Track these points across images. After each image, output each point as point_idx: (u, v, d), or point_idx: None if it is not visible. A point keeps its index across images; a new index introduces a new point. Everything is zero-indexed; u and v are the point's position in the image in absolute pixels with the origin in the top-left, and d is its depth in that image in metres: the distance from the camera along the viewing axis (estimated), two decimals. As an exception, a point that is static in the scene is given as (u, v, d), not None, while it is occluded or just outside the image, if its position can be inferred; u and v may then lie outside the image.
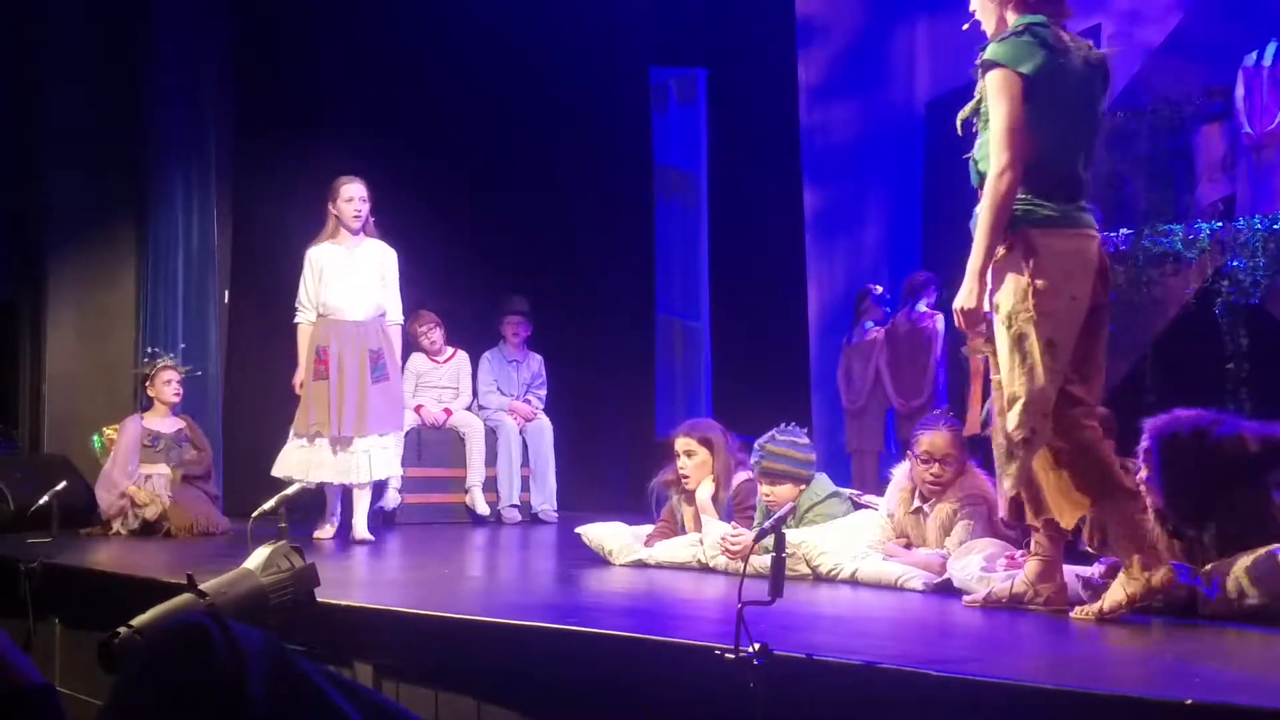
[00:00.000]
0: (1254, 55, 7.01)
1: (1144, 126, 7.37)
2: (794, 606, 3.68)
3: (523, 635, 3.36)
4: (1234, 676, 2.84)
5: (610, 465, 8.79)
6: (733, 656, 2.65)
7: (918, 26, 9.04)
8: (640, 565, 5.12)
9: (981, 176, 3.60)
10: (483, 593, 4.80)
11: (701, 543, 4.98)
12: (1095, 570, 3.81)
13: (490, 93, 8.78)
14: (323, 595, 3.08)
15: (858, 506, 4.99)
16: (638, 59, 9.12)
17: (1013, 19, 3.63)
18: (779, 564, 2.83)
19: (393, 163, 6.86)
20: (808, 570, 4.58)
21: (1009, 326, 3.51)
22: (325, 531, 6.35)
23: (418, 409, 7.75)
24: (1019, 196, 3.53)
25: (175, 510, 6.70)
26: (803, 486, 4.93)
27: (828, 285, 9.08)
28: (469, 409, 8.08)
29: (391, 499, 7.53)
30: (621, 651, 3.11)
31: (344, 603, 3.80)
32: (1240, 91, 7.00)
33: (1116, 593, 3.50)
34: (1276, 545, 3.51)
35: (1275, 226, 6.31)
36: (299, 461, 6.26)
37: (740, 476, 5.21)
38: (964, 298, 3.56)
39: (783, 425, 5.01)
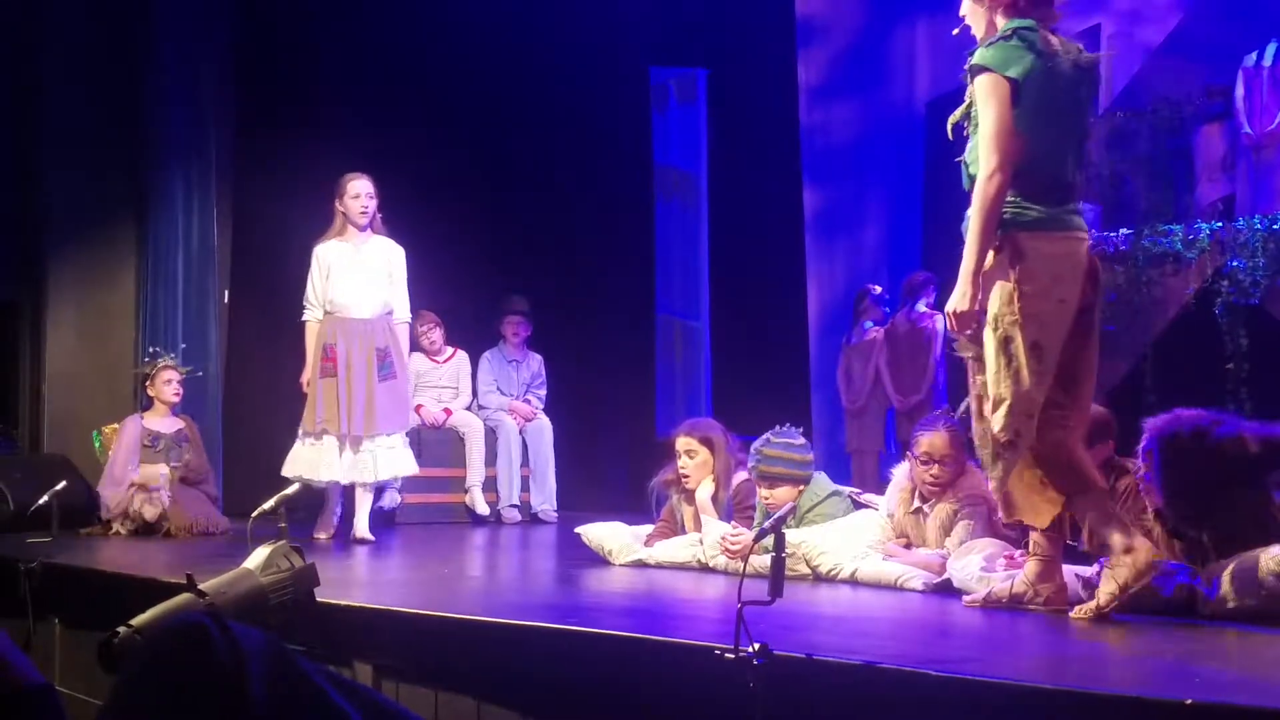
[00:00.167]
0: (1254, 55, 7.01)
1: (1144, 126, 7.37)
2: (794, 606, 3.68)
3: (523, 635, 3.36)
4: (1234, 676, 2.84)
5: (610, 465, 8.79)
6: (733, 656, 2.65)
7: (918, 26, 9.04)
8: (640, 565, 5.12)
9: (973, 180, 3.63)
10: (483, 593, 4.80)
11: (701, 543, 4.98)
12: (1095, 570, 3.80)
13: (490, 93, 8.78)
14: (323, 595, 3.08)
15: (857, 505, 4.99)
16: (638, 59, 9.12)
17: (1001, 23, 3.66)
18: (779, 564, 2.83)
19: (392, 163, 6.85)
20: (807, 570, 4.58)
21: (995, 329, 3.54)
22: (325, 531, 6.32)
23: (418, 409, 7.74)
24: (1007, 199, 3.56)
25: (175, 510, 6.70)
26: (801, 487, 4.92)
27: (827, 285, 9.08)
28: (469, 409, 8.08)
29: (391, 499, 7.52)
30: (621, 651, 3.11)
31: (344, 603, 3.80)
32: (1240, 91, 7.00)
33: (1107, 584, 3.52)
34: (1274, 546, 3.51)
35: (1275, 226, 6.31)
36: (308, 460, 6.23)
37: (740, 476, 5.21)
38: (956, 300, 3.59)
39: (778, 427, 5.01)
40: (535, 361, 8.36)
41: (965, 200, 3.67)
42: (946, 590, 4.15)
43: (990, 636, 3.43)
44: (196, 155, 8.39)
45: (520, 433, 8.06)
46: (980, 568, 4.04)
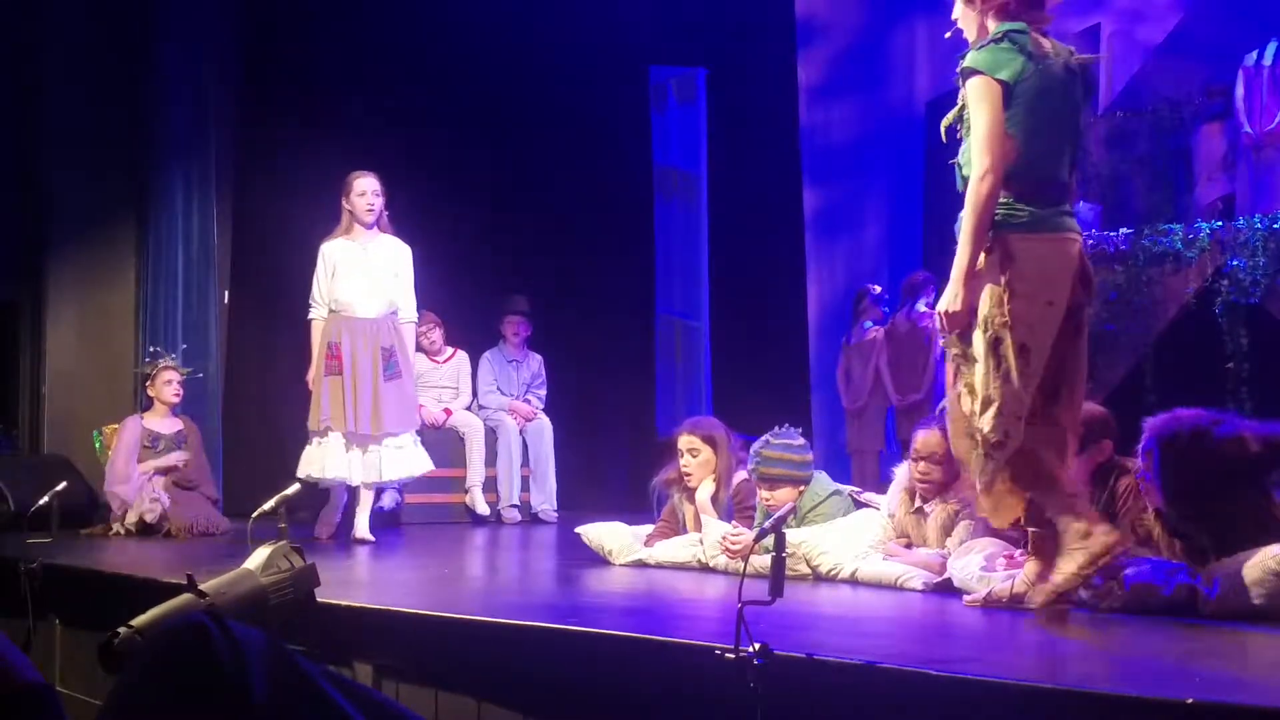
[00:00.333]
0: (1254, 55, 7.01)
1: (1144, 126, 7.38)
2: (794, 606, 3.68)
3: (523, 635, 3.36)
4: (1234, 676, 2.84)
5: (610, 465, 8.80)
6: (733, 656, 2.65)
7: (918, 26, 9.04)
8: (640, 565, 5.12)
9: (966, 181, 3.65)
10: (483, 593, 4.81)
11: (701, 542, 4.98)
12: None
13: (490, 92, 8.79)
14: (323, 595, 3.08)
15: (858, 505, 4.99)
16: (638, 59, 9.12)
17: (993, 26, 3.69)
18: (779, 564, 2.83)
19: (392, 163, 6.85)
20: (808, 570, 4.58)
21: (985, 331, 3.57)
22: (327, 530, 6.30)
23: (418, 409, 7.74)
24: (1000, 201, 3.60)
25: (175, 511, 6.70)
26: (802, 488, 4.92)
27: (828, 285, 9.08)
28: (469, 409, 8.08)
29: (391, 499, 7.52)
30: (622, 651, 3.11)
31: (344, 603, 3.80)
32: (1240, 91, 7.00)
33: (1066, 565, 3.56)
34: (1274, 546, 3.51)
35: (1275, 226, 6.31)
36: (316, 459, 6.18)
37: (741, 476, 5.20)
38: (947, 301, 3.62)
39: (777, 429, 5.01)
40: (535, 361, 8.36)
41: (962, 201, 3.69)
42: (947, 590, 4.15)
43: (990, 636, 3.43)
44: (196, 155, 8.40)
45: (520, 433, 8.06)
46: (980, 567, 4.04)
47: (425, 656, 3.61)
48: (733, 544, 4.78)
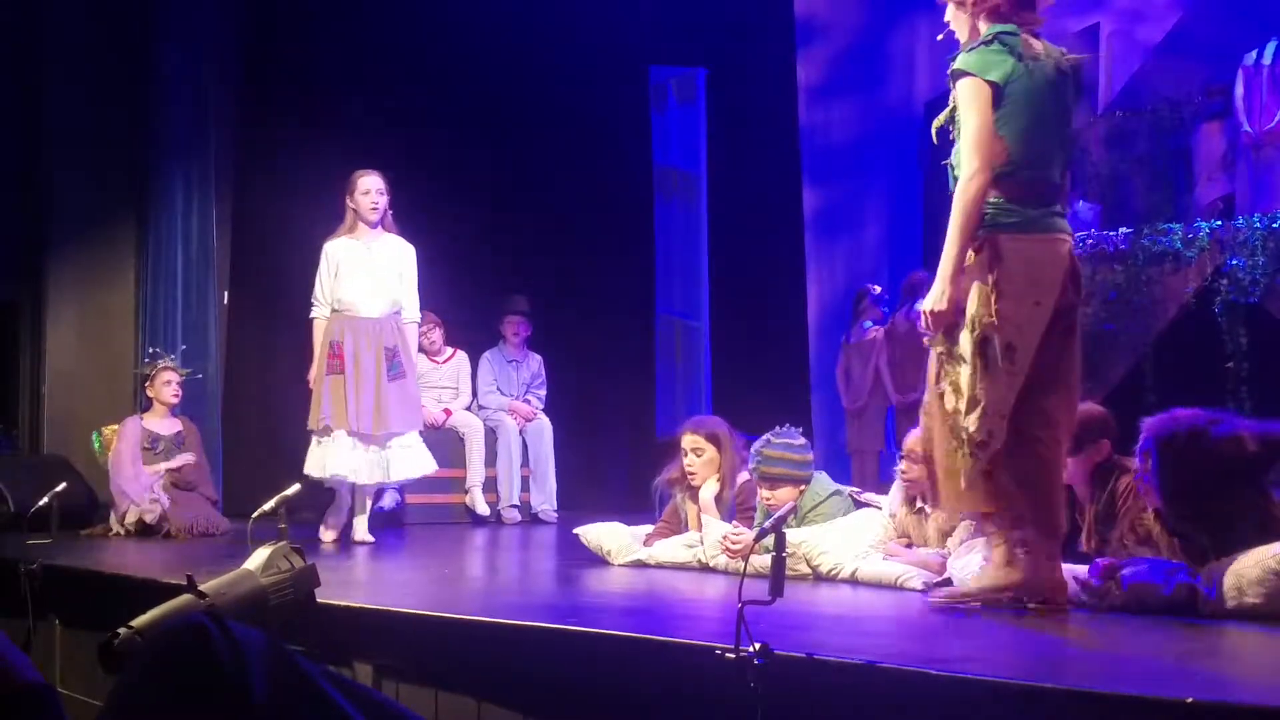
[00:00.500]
0: (1254, 54, 7.01)
1: (1143, 125, 7.37)
2: (794, 606, 3.68)
3: (523, 635, 3.37)
4: (1234, 675, 2.84)
5: (610, 465, 8.80)
6: (733, 656, 2.65)
7: (917, 26, 9.04)
8: (640, 565, 5.12)
9: (957, 182, 3.65)
10: (483, 593, 4.81)
11: (701, 542, 4.98)
12: (1088, 570, 3.81)
13: (490, 92, 8.79)
14: (323, 595, 3.08)
15: (858, 505, 4.99)
16: (638, 59, 9.12)
17: (984, 28, 3.71)
18: (779, 563, 2.83)
19: (392, 163, 6.85)
20: (808, 570, 4.58)
21: (972, 330, 3.59)
22: (333, 532, 6.21)
23: (421, 408, 7.74)
24: (989, 201, 3.62)
25: (175, 511, 6.70)
26: (802, 487, 4.92)
27: (827, 285, 9.09)
28: (469, 409, 8.08)
29: (390, 499, 7.52)
30: (622, 651, 3.11)
31: (344, 603, 3.80)
32: (1240, 90, 7.00)
33: (976, 580, 3.73)
34: (1274, 545, 3.51)
35: (1274, 225, 6.31)
36: (320, 458, 6.12)
37: (745, 475, 5.20)
38: (933, 300, 3.66)
39: (778, 428, 5.01)
40: (535, 361, 8.36)
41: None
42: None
43: (991, 636, 3.43)
44: (196, 155, 8.40)
45: (520, 433, 8.06)
46: (980, 567, 4.04)
47: (425, 657, 3.62)
48: (733, 543, 4.78)
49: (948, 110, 3.76)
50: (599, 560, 5.25)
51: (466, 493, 7.85)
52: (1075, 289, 3.71)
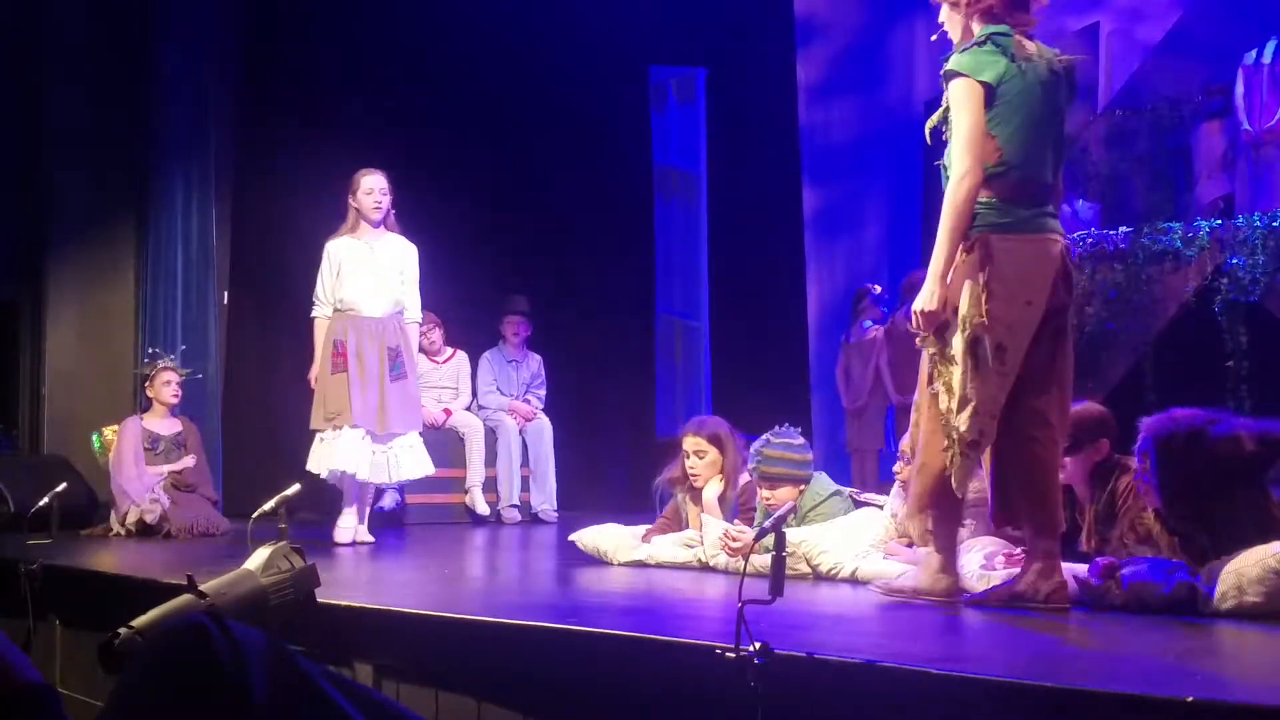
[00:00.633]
0: (1254, 53, 7.01)
1: (1143, 124, 7.37)
2: (794, 605, 3.68)
3: (523, 635, 3.36)
4: (1235, 674, 2.84)
5: (610, 465, 8.80)
6: (733, 656, 2.65)
7: (917, 26, 9.04)
8: (640, 565, 5.11)
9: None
10: (483, 592, 4.80)
11: (701, 541, 4.98)
12: (1088, 569, 3.81)
13: (490, 92, 8.79)
14: (323, 595, 3.08)
15: (858, 505, 4.99)
16: (638, 59, 9.12)
17: (978, 29, 3.74)
18: (779, 563, 2.83)
19: (392, 163, 6.85)
20: (808, 569, 4.58)
21: (963, 330, 3.60)
22: (346, 534, 6.11)
23: (421, 409, 7.74)
24: (980, 201, 3.64)
25: (175, 512, 6.70)
26: (802, 487, 4.93)
27: (827, 284, 9.09)
28: (468, 409, 8.08)
29: (390, 499, 7.52)
30: (622, 651, 3.11)
31: (344, 603, 3.80)
32: (1240, 89, 7.00)
33: (910, 574, 3.91)
34: (1274, 544, 3.51)
35: (1275, 224, 6.31)
36: (326, 455, 6.08)
37: (747, 476, 5.20)
38: (924, 300, 3.67)
39: (777, 428, 5.01)
40: (535, 361, 8.36)
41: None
42: (947, 589, 4.14)
43: (991, 635, 3.43)
44: (196, 155, 8.40)
45: (520, 433, 8.07)
46: (980, 566, 4.04)
47: (425, 656, 3.61)
48: (733, 540, 4.78)
49: (941, 111, 3.77)
50: (599, 560, 5.25)
51: (466, 493, 7.86)
52: (1067, 289, 3.73)
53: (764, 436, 4.97)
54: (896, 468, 4.79)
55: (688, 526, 5.28)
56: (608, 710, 3.17)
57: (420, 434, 6.40)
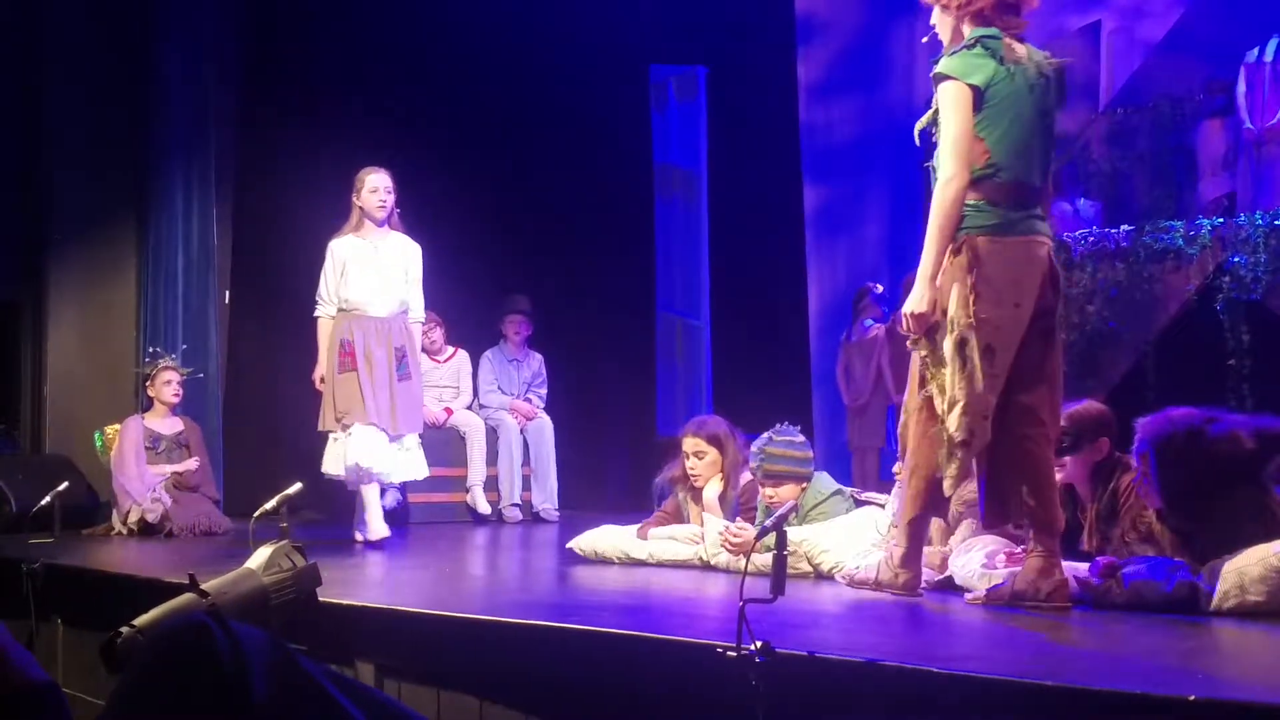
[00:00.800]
0: (1255, 51, 7.02)
1: (1145, 123, 7.38)
2: (796, 604, 3.69)
3: (525, 634, 3.37)
4: (1236, 673, 2.84)
5: (611, 464, 8.80)
6: (735, 654, 2.65)
7: (917, 25, 9.02)
8: (640, 564, 5.11)
9: None
10: (484, 592, 4.81)
11: (702, 539, 4.98)
12: (1088, 568, 3.81)
13: (490, 92, 8.78)
14: (324, 594, 3.08)
15: (859, 504, 4.99)
16: (638, 57, 9.11)
17: (968, 31, 3.77)
18: (781, 562, 2.83)
19: (393, 163, 6.85)
20: (809, 568, 4.58)
21: (951, 331, 3.62)
22: (380, 530, 6.03)
23: (422, 409, 7.74)
24: (968, 204, 3.67)
25: (176, 511, 6.70)
26: (804, 485, 4.93)
27: (828, 283, 9.09)
28: (469, 408, 8.08)
29: (391, 498, 7.52)
30: (623, 650, 3.11)
31: (346, 602, 3.80)
32: (1241, 87, 7.01)
33: (876, 569, 3.97)
34: (1274, 542, 3.51)
35: (1276, 222, 6.31)
36: (338, 455, 6.05)
37: (748, 475, 5.20)
38: (914, 302, 3.69)
39: (778, 426, 5.02)
40: (536, 360, 8.36)
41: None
42: (948, 588, 4.15)
43: (992, 634, 3.43)
44: (196, 155, 8.40)
45: (521, 432, 8.06)
46: (981, 565, 4.04)
47: (427, 656, 3.62)
48: (734, 537, 4.78)
49: (930, 113, 3.83)
50: (599, 560, 5.25)
51: (468, 491, 7.86)
52: (1054, 291, 3.76)
53: (765, 435, 4.97)
54: (897, 467, 4.78)
55: (687, 523, 5.28)
56: (609, 709, 3.17)
57: (421, 434, 6.39)
